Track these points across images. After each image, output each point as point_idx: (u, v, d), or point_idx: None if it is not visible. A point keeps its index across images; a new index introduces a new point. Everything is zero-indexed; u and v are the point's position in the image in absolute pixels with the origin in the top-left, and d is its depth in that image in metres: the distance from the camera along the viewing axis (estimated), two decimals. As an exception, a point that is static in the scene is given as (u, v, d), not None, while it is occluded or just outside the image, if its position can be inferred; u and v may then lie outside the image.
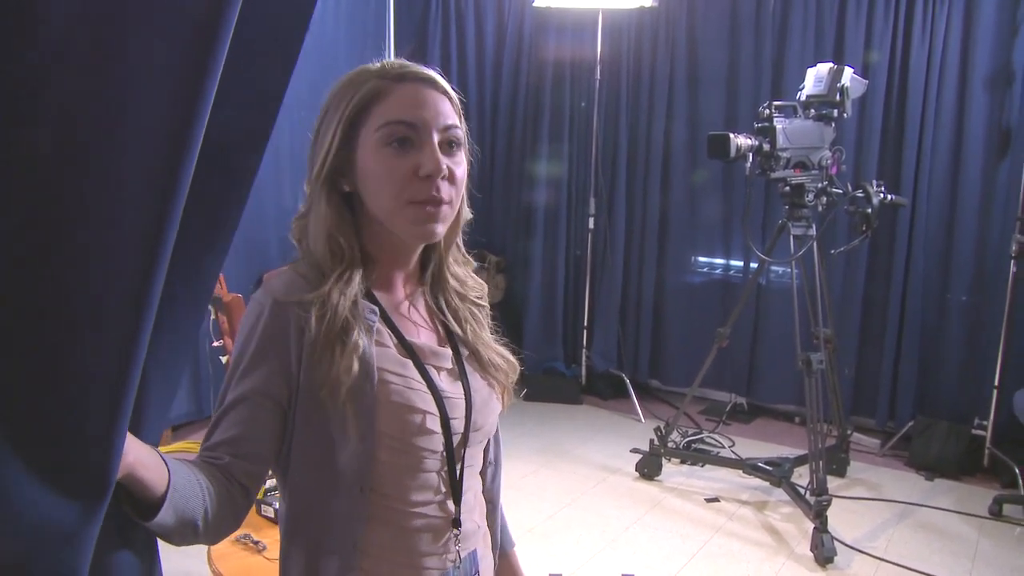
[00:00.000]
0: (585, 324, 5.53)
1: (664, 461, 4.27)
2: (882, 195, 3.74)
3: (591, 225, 5.43)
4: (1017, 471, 4.09)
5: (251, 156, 1.12)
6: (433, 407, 1.20)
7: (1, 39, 0.71)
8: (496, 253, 5.67)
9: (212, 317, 2.55)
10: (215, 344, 2.61)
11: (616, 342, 5.50)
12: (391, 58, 1.23)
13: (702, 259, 5.41)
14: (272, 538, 2.29)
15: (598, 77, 5.26)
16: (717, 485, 4.18)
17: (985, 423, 4.30)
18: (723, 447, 4.66)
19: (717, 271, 5.34)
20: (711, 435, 4.80)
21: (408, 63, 1.21)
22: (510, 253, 5.75)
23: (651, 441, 4.25)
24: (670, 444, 4.31)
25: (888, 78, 4.51)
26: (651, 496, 4.06)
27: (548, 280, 5.62)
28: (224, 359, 2.72)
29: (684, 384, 5.26)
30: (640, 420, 5.07)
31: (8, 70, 0.72)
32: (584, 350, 5.54)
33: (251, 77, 1.03)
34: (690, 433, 4.77)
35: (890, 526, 3.82)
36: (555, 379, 5.49)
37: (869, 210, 3.70)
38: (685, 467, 4.39)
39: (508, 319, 5.62)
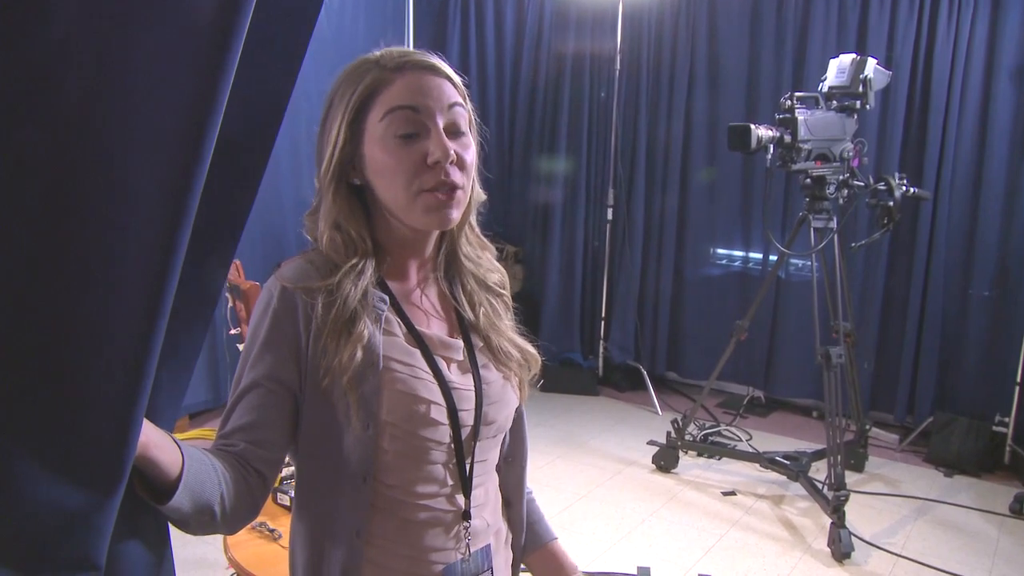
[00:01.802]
0: (603, 315, 5.51)
1: (681, 454, 4.26)
2: (904, 188, 3.70)
3: (609, 216, 5.41)
4: (1038, 468, 4.05)
5: (260, 153, 1.12)
6: (439, 397, 1.18)
7: (7, 37, 0.70)
8: (514, 243, 5.66)
9: (229, 305, 2.55)
10: (232, 332, 2.61)
11: (634, 334, 5.48)
12: (394, 46, 1.21)
13: (721, 251, 5.38)
14: (288, 526, 2.29)
15: (618, 67, 5.23)
16: (734, 478, 4.16)
17: (1006, 420, 4.25)
18: (740, 440, 4.63)
19: (736, 263, 5.31)
20: (728, 428, 4.77)
21: (408, 51, 1.19)
22: (528, 243, 5.74)
23: (668, 434, 4.23)
24: (687, 437, 4.28)
25: (912, 69, 4.46)
26: (667, 489, 4.04)
27: (566, 271, 5.60)
28: (241, 347, 2.72)
29: (702, 376, 5.24)
30: (657, 412, 5.05)
31: (15, 68, 0.71)
32: (601, 341, 5.53)
33: (259, 76, 1.03)
34: (707, 426, 4.75)
35: (908, 522, 3.78)
36: (572, 370, 5.47)
37: (891, 203, 3.66)
38: (702, 460, 4.37)
39: (526, 310, 5.52)
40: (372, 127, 1.16)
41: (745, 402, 5.11)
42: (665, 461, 4.21)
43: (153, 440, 0.94)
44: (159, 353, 0.86)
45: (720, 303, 5.24)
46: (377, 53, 1.19)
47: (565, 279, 5.61)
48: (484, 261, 1.33)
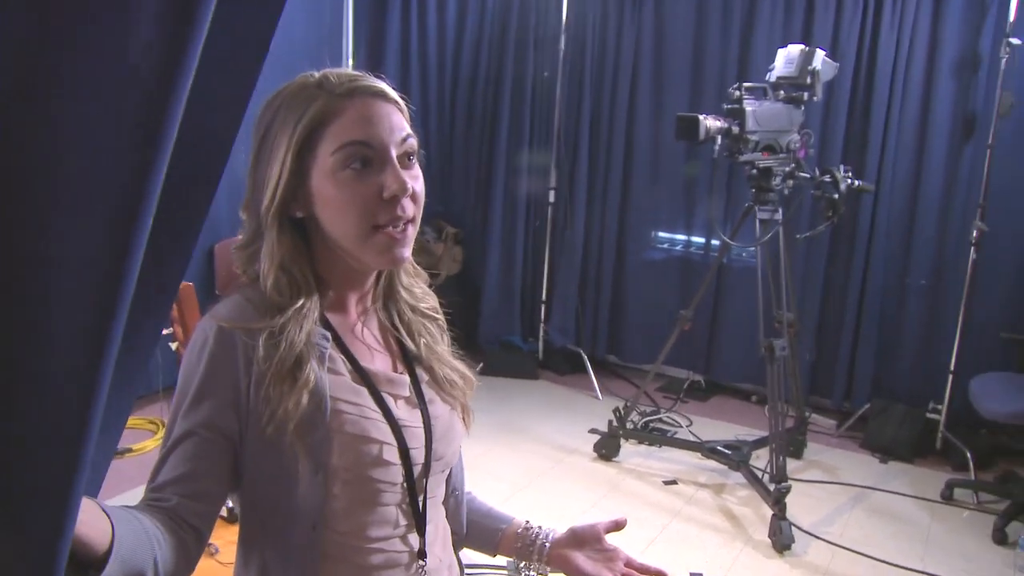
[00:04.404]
0: (543, 298, 5.47)
1: (622, 441, 4.24)
2: (849, 181, 3.71)
3: (551, 198, 5.35)
4: (968, 455, 4.14)
5: (217, 159, 1.04)
6: (390, 437, 1.14)
7: None
8: (454, 224, 5.56)
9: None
10: (165, 332, 2.49)
11: (574, 317, 5.44)
12: (343, 64, 1.15)
13: (663, 234, 5.36)
14: (224, 539, 2.20)
15: (562, 47, 5.14)
16: (675, 467, 4.17)
17: (939, 407, 4.33)
18: (680, 427, 4.65)
19: (678, 247, 5.30)
20: (669, 414, 4.78)
21: (355, 74, 1.13)
22: (468, 224, 5.65)
23: (610, 422, 4.21)
24: (628, 424, 4.27)
25: (856, 61, 4.47)
26: (609, 478, 4.03)
27: (507, 252, 5.54)
28: (174, 346, 2.60)
29: (642, 360, 5.25)
30: (598, 397, 5.04)
31: None
32: (542, 324, 5.49)
33: (219, 78, 0.94)
34: (648, 412, 4.74)
35: (845, 510, 3.84)
36: (512, 353, 5.43)
37: (836, 195, 3.66)
38: (643, 447, 4.37)
39: (465, 291, 5.54)
40: (322, 160, 1.09)
41: (685, 386, 5.12)
42: (607, 449, 4.20)
43: (82, 517, 0.85)
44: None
45: (661, 287, 5.23)
46: (317, 75, 1.12)
47: (505, 261, 5.55)
48: (418, 289, 1.30)
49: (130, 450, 3.79)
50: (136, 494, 1.12)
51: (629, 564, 1.30)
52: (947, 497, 3.96)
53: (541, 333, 5.50)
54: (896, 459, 4.35)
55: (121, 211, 0.70)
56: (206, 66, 0.77)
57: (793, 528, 3.51)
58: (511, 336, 5.53)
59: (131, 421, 3.98)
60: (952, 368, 4.25)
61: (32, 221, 0.67)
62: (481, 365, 4.76)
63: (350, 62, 4.40)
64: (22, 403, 0.69)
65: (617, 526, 1.33)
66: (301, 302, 1.11)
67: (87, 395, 0.70)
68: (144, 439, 3.97)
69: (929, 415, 4.39)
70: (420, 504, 1.19)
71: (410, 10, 5.41)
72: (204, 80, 0.82)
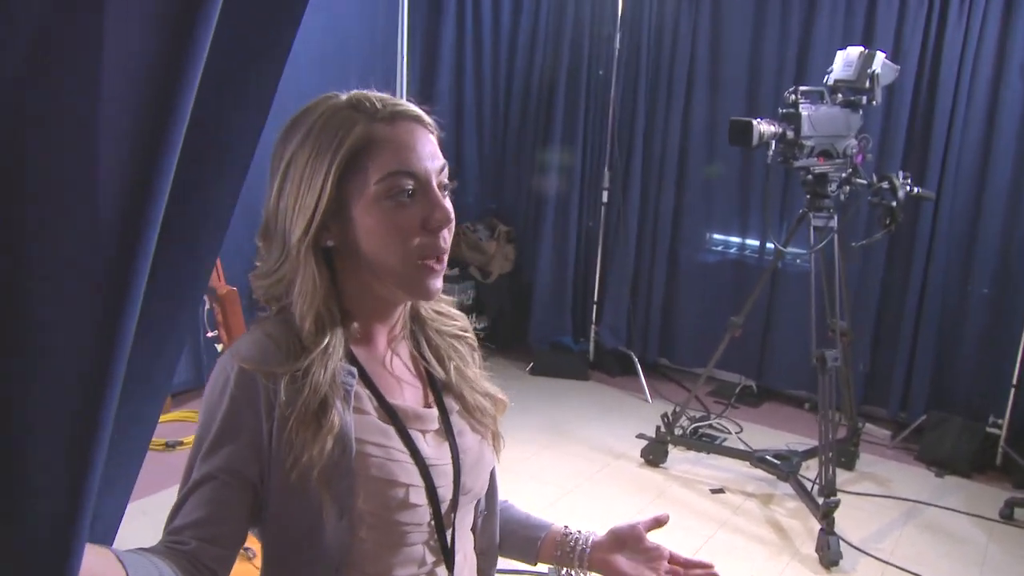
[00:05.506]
0: (595, 299, 5.42)
1: (670, 446, 4.19)
2: (908, 187, 3.60)
3: (605, 198, 5.30)
4: (1031, 472, 4.00)
5: (244, 154, 1.03)
6: (417, 479, 1.11)
7: None
8: (506, 222, 5.55)
9: (207, 307, 2.46)
10: (209, 335, 2.53)
11: (626, 318, 5.39)
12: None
13: (717, 236, 5.28)
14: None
15: (617, 46, 5.08)
16: (723, 474, 4.10)
17: (1000, 421, 4.19)
18: (730, 433, 4.57)
19: (732, 250, 5.21)
20: (719, 420, 4.70)
21: (392, 98, 1.11)
22: (520, 223, 5.63)
23: (658, 428, 4.16)
24: (677, 430, 4.22)
25: (919, 62, 4.32)
26: (656, 484, 3.99)
27: (559, 252, 5.50)
28: (220, 347, 2.64)
29: (694, 364, 5.17)
30: (647, 400, 4.98)
31: None
32: (593, 325, 5.44)
33: (245, 65, 0.95)
34: (698, 417, 4.67)
35: (897, 526, 3.74)
36: (562, 354, 5.40)
37: (894, 203, 3.55)
38: (691, 453, 4.30)
39: (517, 290, 5.54)
40: (362, 188, 1.06)
41: (737, 391, 5.03)
42: (654, 455, 4.15)
43: (91, 569, 0.83)
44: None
45: (714, 290, 5.15)
46: (344, 97, 1.09)
47: (558, 260, 5.51)
48: (444, 310, 1.27)
49: (180, 443, 3.86)
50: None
51: (674, 560, 1.27)
52: (1006, 516, 3.82)
53: (592, 334, 5.46)
54: (953, 474, 4.21)
55: (120, 214, 0.65)
56: (226, 64, 0.75)
57: (842, 543, 3.42)
58: (562, 336, 5.49)
59: (181, 414, 4.07)
60: (1015, 381, 4.11)
61: (26, 223, 0.63)
62: (531, 365, 4.80)
63: (405, 61, 4.41)
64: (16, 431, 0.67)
65: (658, 523, 1.30)
66: (326, 341, 1.08)
67: (88, 431, 0.67)
68: (194, 432, 4.03)
69: (989, 429, 4.24)
70: (448, 539, 1.17)
71: (465, 7, 5.40)
72: (225, 76, 0.81)
